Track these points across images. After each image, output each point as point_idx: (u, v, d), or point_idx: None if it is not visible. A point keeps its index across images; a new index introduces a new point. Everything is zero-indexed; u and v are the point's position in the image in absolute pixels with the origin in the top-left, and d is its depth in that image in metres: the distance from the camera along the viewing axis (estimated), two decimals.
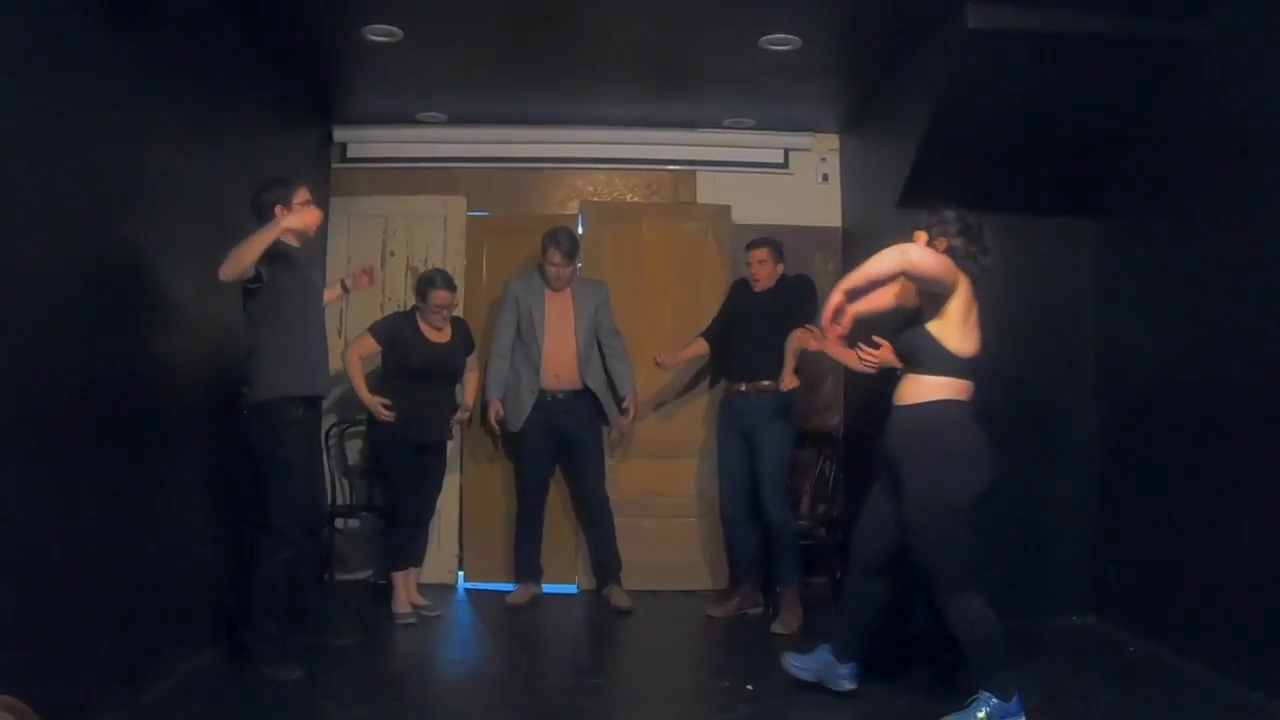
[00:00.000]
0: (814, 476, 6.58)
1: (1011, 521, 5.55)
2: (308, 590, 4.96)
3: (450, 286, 5.72)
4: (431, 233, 6.90)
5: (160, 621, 4.30)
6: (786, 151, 7.01)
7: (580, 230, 6.76)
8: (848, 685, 4.30)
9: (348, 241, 6.85)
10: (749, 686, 4.46)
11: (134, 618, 4.03)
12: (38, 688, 2.96)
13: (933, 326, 4.01)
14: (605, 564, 6.25)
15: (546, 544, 6.41)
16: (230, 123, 5.15)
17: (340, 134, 6.89)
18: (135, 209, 4.13)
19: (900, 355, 4.23)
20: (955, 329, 3.98)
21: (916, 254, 3.86)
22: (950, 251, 4.04)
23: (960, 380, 4.04)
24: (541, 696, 4.47)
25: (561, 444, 6.22)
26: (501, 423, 6.15)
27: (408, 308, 6.05)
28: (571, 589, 6.62)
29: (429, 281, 5.67)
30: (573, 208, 7.03)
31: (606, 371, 6.29)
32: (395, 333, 5.64)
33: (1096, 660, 4.87)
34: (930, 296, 4.01)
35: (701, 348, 6.20)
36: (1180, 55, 4.78)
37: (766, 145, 7.00)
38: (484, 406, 6.33)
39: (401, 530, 5.75)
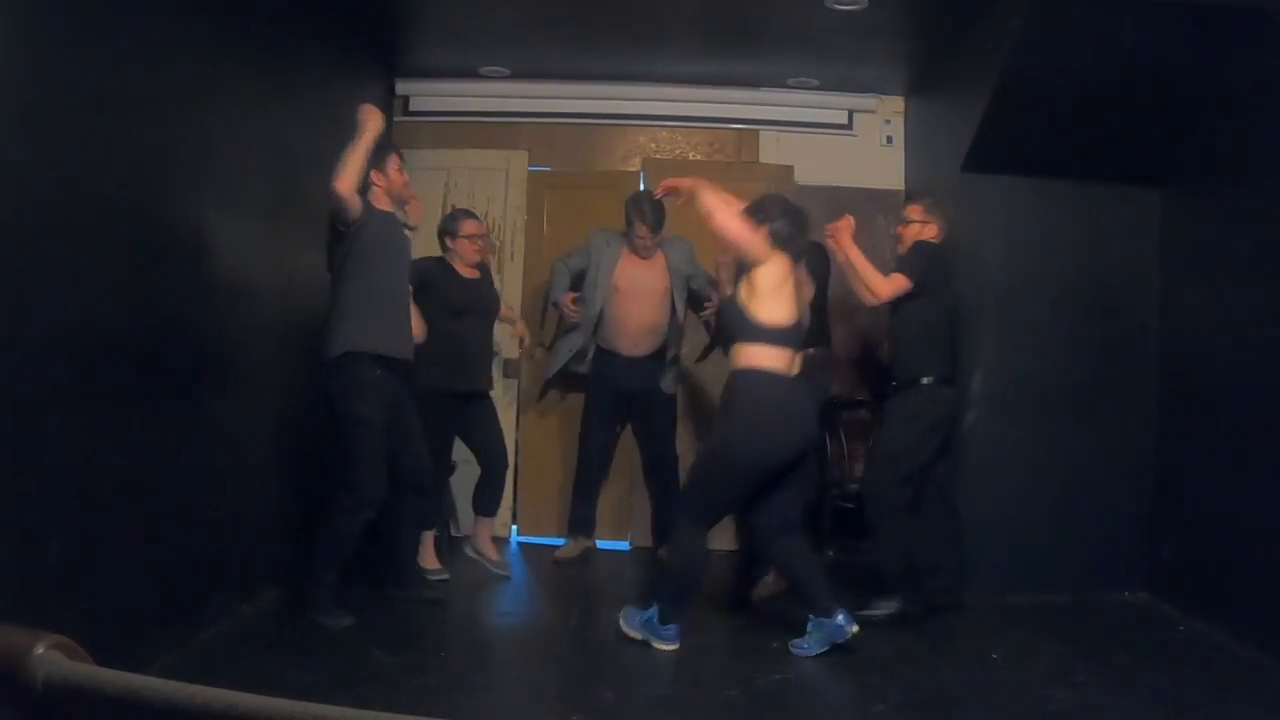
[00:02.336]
0: (868, 441, 6.54)
1: (1066, 495, 5.51)
2: (404, 544, 5.05)
3: (476, 216, 5.75)
4: (493, 187, 6.92)
5: (216, 566, 4.40)
6: (850, 113, 6.93)
7: (642, 187, 6.74)
8: (851, 628, 4.37)
9: None
10: (791, 649, 4.45)
11: (189, 562, 4.12)
12: (92, 629, 3.05)
13: (742, 297, 4.38)
14: (664, 522, 6.23)
15: (602, 501, 6.45)
16: (293, 75, 5.19)
17: (403, 87, 6.91)
18: (197, 161, 4.18)
19: (721, 326, 4.68)
20: (764, 300, 4.30)
21: (722, 216, 4.33)
22: (772, 235, 4.38)
23: (771, 348, 4.31)
24: (589, 650, 4.53)
25: (632, 404, 6.19)
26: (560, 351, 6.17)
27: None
28: (624, 545, 6.67)
29: (455, 218, 5.66)
30: (634, 164, 7.01)
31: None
32: (425, 275, 5.48)
33: (1146, 638, 4.83)
34: (743, 267, 4.44)
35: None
36: (1254, 21, 4.63)
37: (830, 106, 6.92)
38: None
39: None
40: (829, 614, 4.36)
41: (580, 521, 6.26)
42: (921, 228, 5.18)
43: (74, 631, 0.90)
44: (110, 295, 3.56)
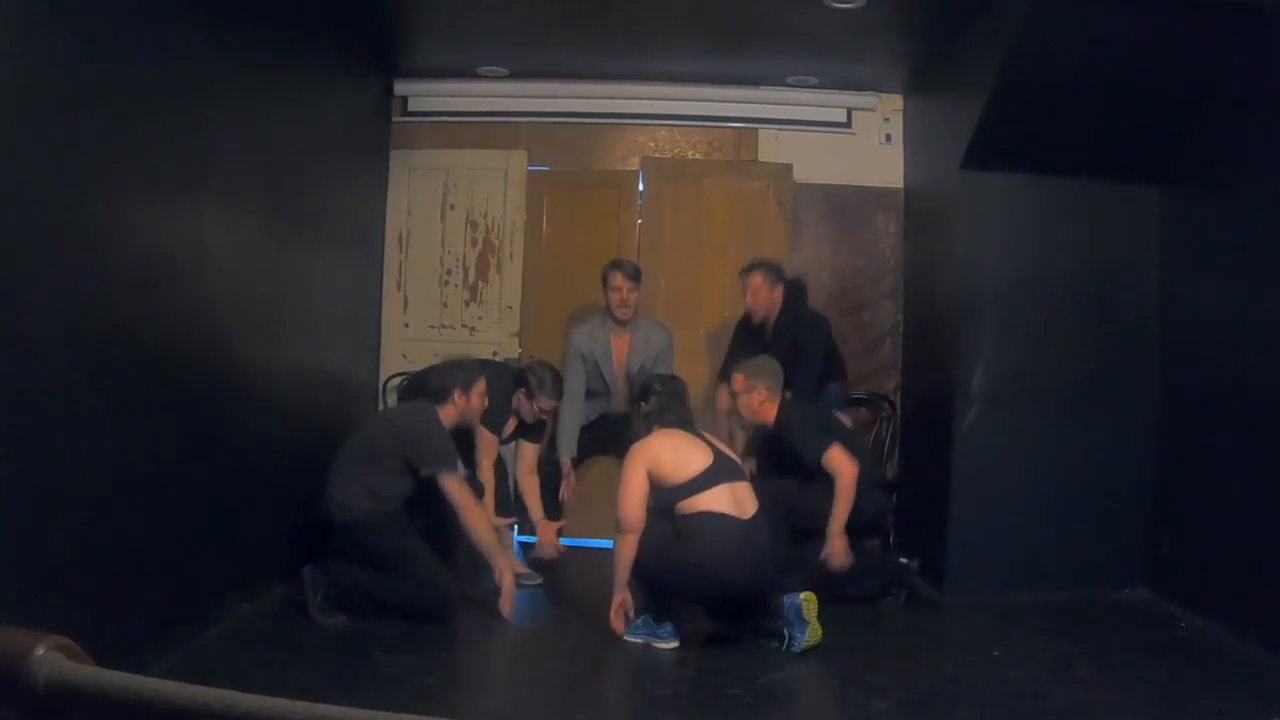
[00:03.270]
0: (869, 439, 6.55)
1: (1066, 492, 5.51)
2: (457, 542, 5.11)
3: (484, 379, 5.44)
4: (492, 187, 6.92)
5: (217, 567, 4.40)
6: (849, 111, 6.92)
7: (641, 186, 6.75)
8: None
9: (408, 194, 6.90)
10: (794, 647, 4.46)
11: (192, 562, 4.13)
12: (93, 630, 3.05)
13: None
14: None
15: (604, 498, 6.41)
16: (292, 77, 5.19)
17: (401, 87, 6.91)
18: (196, 163, 4.18)
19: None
20: (670, 475, 4.55)
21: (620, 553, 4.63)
22: (645, 415, 4.83)
23: (701, 494, 4.45)
24: (591, 650, 4.52)
25: (612, 438, 6.06)
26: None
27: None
28: None
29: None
30: (633, 164, 7.01)
31: None
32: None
33: (1147, 635, 4.82)
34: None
35: (725, 400, 5.83)
36: (1251, 19, 4.63)
37: (829, 104, 6.90)
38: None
39: None
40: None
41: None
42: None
43: (75, 632, 0.90)
44: (110, 298, 3.55)
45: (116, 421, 3.58)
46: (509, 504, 5.89)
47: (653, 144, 7.11)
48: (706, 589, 4.42)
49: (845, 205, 6.86)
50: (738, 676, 4.17)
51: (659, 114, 7.06)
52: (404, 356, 6.65)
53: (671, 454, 4.53)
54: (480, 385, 5.08)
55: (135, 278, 3.71)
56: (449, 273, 6.90)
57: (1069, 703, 3.88)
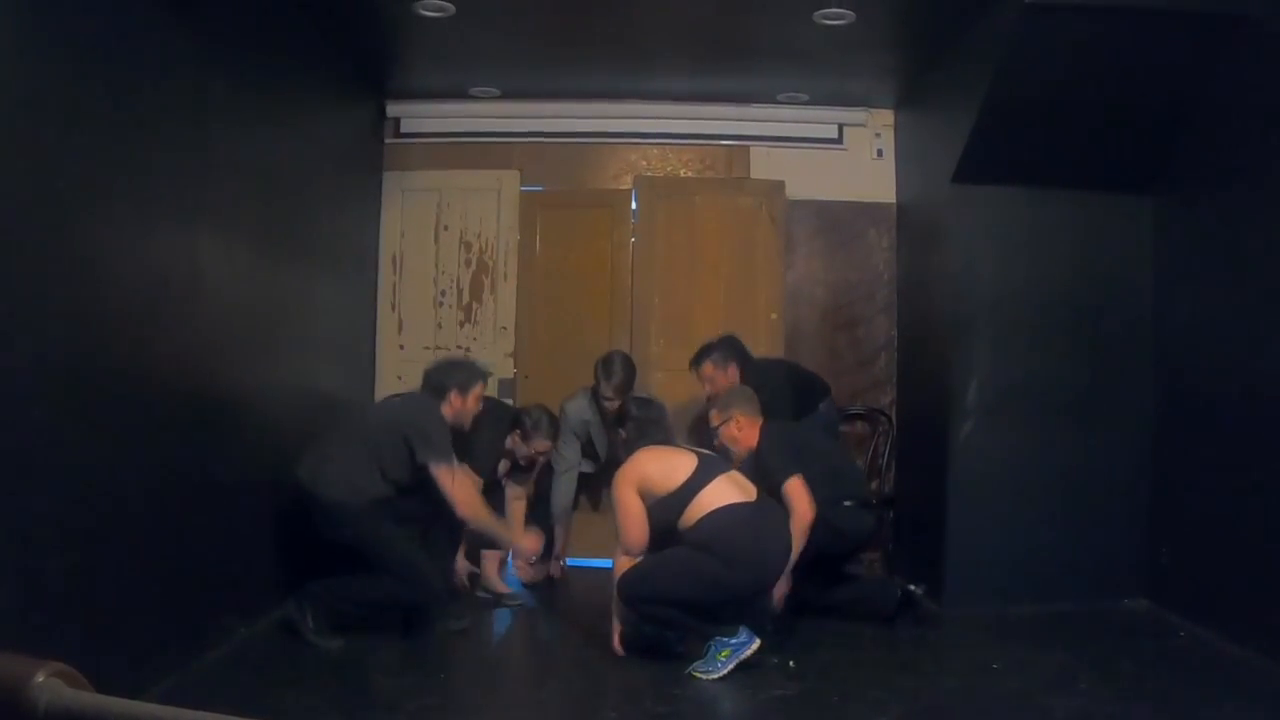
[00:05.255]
0: (867, 453, 6.56)
1: (1064, 503, 5.52)
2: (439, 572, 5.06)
3: (484, 381, 5.52)
4: (485, 207, 6.94)
5: (215, 591, 4.39)
6: (840, 126, 6.95)
7: (634, 205, 6.76)
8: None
9: (401, 215, 6.90)
10: (791, 663, 4.46)
11: (188, 587, 4.11)
12: (92, 656, 3.04)
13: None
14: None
15: (600, 519, 6.44)
16: (285, 99, 5.20)
17: (394, 109, 6.93)
18: (190, 185, 4.17)
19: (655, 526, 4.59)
20: (657, 487, 4.53)
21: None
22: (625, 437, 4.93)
23: (700, 495, 4.43)
24: (590, 669, 4.51)
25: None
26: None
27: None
28: None
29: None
30: (626, 182, 7.02)
31: None
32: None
33: (1147, 645, 4.82)
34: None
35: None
36: (1238, 30, 4.66)
37: (820, 120, 6.93)
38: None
39: None
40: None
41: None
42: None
43: (74, 659, 0.90)
44: (105, 322, 3.55)
45: (113, 446, 3.58)
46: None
47: (645, 162, 7.13)
48: (751, 578, 4.36)
49: (838, 221, 6.88)
50: (738, 693, 4.17)
51: (651, 133, 7.09)
52: (399, 378, 6.64)
53: (657, 466, 4.54)
54: (477, 389, 5.08)
55: (131, 301, 3.70)
56: (443, 293, 6.90)
57: (1070, 714, 3.87)
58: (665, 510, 4.43)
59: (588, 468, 6.16)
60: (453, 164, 6.99)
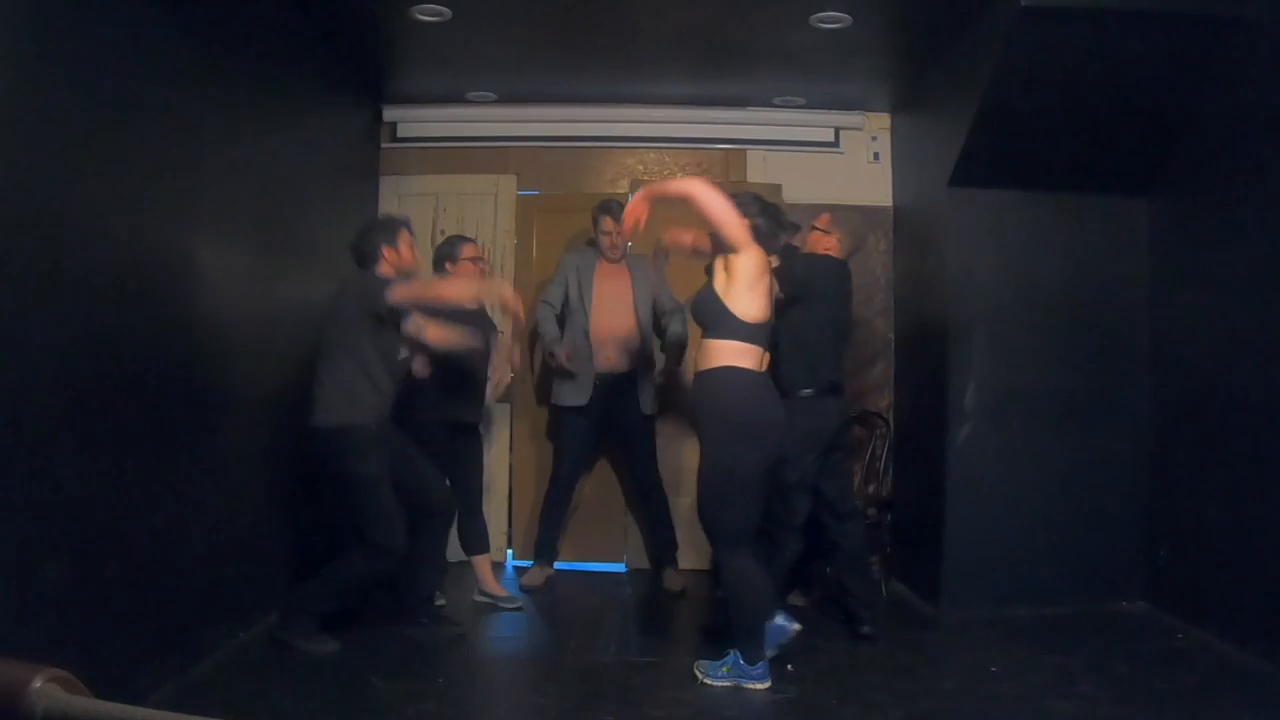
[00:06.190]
0: (865, 456, 6.55)
1: (1061, 506, 5.52)
2: (426, 574, 5.03)
3: (472, 240, 5.67)
4: (482, 211, 6.94)
5: (210, 596, 4.39)
6: (837, 130, 6.96)
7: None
8: (794, 626, 4.39)
9: None
10: (789, 666, 4.46)
11: (183, 593, 4.11)
12: (89, 661, 3.04)
13: (719, 287, 4.19)
14: (659, 547, 6.23)
15: (595, 523, 6.45)
16: (280, 103, 5.20)
17: (390, 113, 6.94)
18: (183, 189, 4.17)
19: (693, 317, 4.41)
20: (740, 294, 4.14)
21: (708, 192, 4.10)
22: (754, 230, 4.23)
23: (747, 345, 4.16)
24: (589, 676, 4.50)
25: (609, 429, 6.12)
26: (561, 389, 6.06)
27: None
28: (620, 568, 6.66)
29: (452, 243, 5.55)
30: (623, 186, 7.03)
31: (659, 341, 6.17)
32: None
33: (1146, 647, 4.83)
34: (721, 255, 4.22)
35: None
36: (1233, 33, 4.68)
37: (817, 124, 6.94)
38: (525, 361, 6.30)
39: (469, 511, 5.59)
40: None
41: (545, 548, 6.22)
42: (823, 237, 5.20)
43: (71, 664, 0.89)
44: (100, 327, 3.55)
45: (110, 452, 3.58)
46: (484, 538, 5.80)
47: (642, 166, 7.13)
48: (764, 447, 4.15)
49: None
50: (736, 696, 4.17)
51: (647, 136, 7.09)
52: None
53: (754, 275, 4.15)
54: (404, 234, 4.87)
55: (126, 309, 3.70)
56: None
57: (1069, 717, 3.89)
58: (720, 317, 4.17)
59: (584, 380, 5.99)
60: (449, 168, 6.99)
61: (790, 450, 4.54)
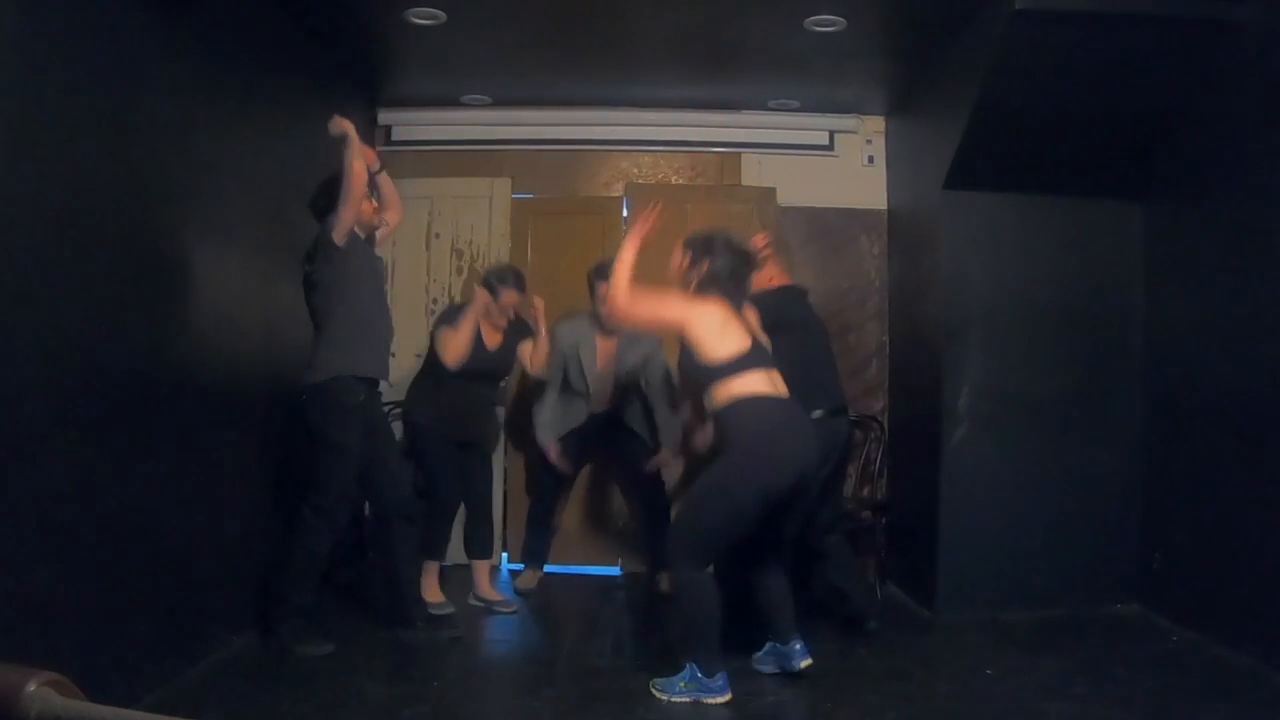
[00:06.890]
0: (859, 460, 6.56)
1: (1056, 508, 5.52)
2: (403, 578, 5.00)
3: (522, 287, 5.55)
4: (477, 215, 6.94)
5: (202, 600, 4.38)
6: (831, 134, 6.97)
7: (625, 212, 6.77)
8: (806, 660, 4.32)
9: None
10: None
11: (175, 597, 4.10)
12: (83, 665, 3.03)
13: (692, 347, 4.22)
14: (656, 551, 6.20)
15: (590, 526, 6.45)
16: (274, 106, 5.20)
17: (385, 117, 6.94)
18: (178, 193, 4.17)
19: (685, 385, 4.55)
20: (714, 343, 4.16)
21: (626, 299, 4.25)
22: (711, 277, 4.32)
23: (744, 374, 4.14)
24: (585, 678, 4.50)
25: (601, 443, 6.11)
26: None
27: (458, 300, 5.92)
28: (615, 570, 6.66)
29: (502, 280, 5.48)
30: (618, 190, 7.04)
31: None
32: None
33: (1140, 649, 4.82)
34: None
35: None
36: (1226, 36, 4.69)
37: (811, 127, 6.96)
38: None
39: (440, 519, 5.55)
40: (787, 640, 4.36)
41: (534, 553, 6.23)
42: (765, 271, 5.11)
43: (66, 668, 0.89)
44: (98, 328, 3.55)
45: (105, 456, 3.57)
46: (488, 544, 5.83)
47: (636, 170, 7.14)
48: (774, 479, 4.04)
49: (829, 227, 6.90)
50: (729, 700, 4.16)
51: (642, 140, 7.10)
52: (390, 385, 6.63)
53: (718, 323, 4.17)
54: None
55: (121, 311, 3.70)
56: (435, 301, 6.90)
57: (1063, 719, 3.88)
58: (701, 372, 4.18)
59: (576, 418, 6.03)
60: (444, 171, 6.99)
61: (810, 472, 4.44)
